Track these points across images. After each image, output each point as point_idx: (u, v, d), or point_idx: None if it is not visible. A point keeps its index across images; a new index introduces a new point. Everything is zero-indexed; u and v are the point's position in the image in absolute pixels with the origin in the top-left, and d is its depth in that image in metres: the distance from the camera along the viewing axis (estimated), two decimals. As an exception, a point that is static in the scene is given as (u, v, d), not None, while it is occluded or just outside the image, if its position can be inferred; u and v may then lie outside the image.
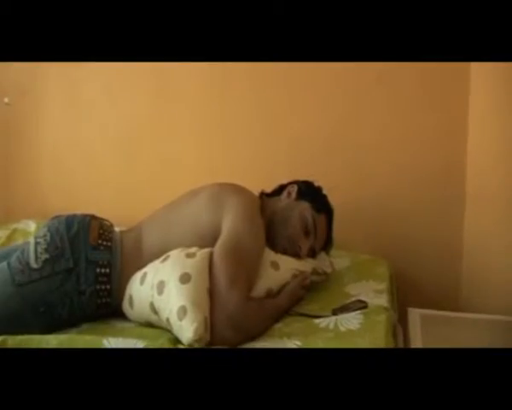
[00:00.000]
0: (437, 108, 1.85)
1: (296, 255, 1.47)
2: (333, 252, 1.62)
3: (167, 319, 1.23)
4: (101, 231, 1.42)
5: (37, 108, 2.25)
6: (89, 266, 1.35)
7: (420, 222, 1.89)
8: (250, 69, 1.98)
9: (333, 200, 1.58)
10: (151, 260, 1.36)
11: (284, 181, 1.62)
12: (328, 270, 1.56)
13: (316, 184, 1.60)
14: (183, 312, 1.19)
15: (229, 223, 1.34)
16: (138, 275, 1.35)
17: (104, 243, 1.40)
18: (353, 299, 1.40)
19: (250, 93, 2.01)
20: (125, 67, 2.12)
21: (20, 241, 1.87)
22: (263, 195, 1.59)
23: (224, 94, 2.04)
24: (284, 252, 1.46)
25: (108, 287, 1.36)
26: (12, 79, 2.25)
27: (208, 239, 1.34)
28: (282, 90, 1.98)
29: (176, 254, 1.31)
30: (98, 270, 1.36)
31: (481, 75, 1.74)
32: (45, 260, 1.34)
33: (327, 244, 1.58)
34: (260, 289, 1.35)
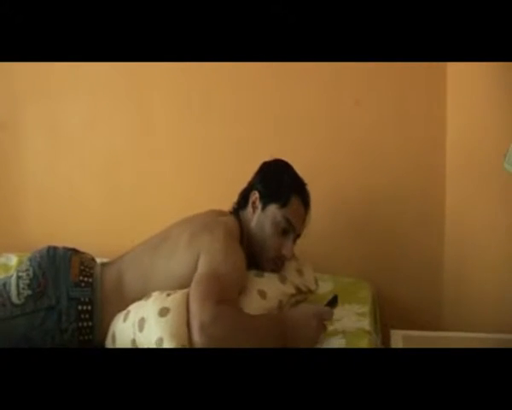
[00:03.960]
0: (414, 131, 1.88)
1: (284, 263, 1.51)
2: (315, 275, 1.62)
3: None
4: (82, 267, 1.41)
5: (17, 142, 2.24)
6: (70, 303, 1.34)
7: (400, 243, 1.92)
8: (231, 93, 2.01)
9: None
10: (133, 300, 1.37)
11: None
12: (313, 287, 1.57)
13: (271, 165, 1.58)
14: (159, 344, 1.22)
15: (205, 258, 1.35)
16: (122, 313, 1.36)
17: (85, 279, 1.39)
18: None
19: (231, 117, 2.03)
20: (104, 98, 2.14)
21: (1, 276, 1.84)
22: (235, 213, 1.58)
23: (204, 121, 2.05)
24: (273, 270, 1.49)
25: (90, 324, 1.35)
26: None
27: (189, 284, 1.33)
28: (263, 112, 1.99)
29: (157, 294, 1.34)
30: (80, 307, 1.35)
31: (458, 95, 1.77)
32: (27, 297, 1.33)
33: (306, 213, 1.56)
34: None
